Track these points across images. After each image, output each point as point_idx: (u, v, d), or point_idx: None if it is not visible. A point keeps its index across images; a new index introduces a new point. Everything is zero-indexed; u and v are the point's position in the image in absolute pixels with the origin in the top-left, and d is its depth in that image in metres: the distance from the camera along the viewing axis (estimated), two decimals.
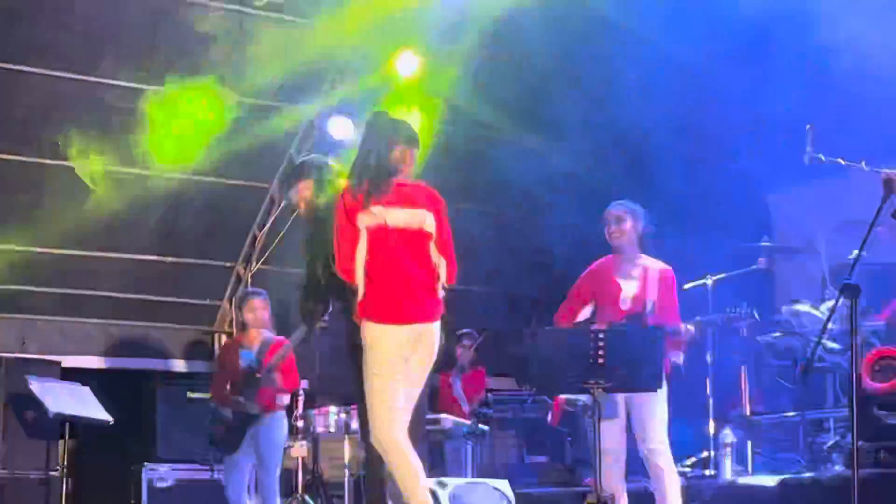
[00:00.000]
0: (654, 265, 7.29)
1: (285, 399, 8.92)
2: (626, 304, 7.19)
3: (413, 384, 6.11)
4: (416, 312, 6.04)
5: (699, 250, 8.92)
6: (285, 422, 8.92)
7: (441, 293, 6.14)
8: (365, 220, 6.01)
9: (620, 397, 6.97)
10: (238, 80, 10.41)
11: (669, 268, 7.31)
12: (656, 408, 6.95)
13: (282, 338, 8.97)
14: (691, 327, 7.24)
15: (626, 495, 7.11)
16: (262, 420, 8.78)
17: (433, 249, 6.10)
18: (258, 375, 8.74)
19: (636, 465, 7.19)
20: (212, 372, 11.54)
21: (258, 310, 9.05)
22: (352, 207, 6.04)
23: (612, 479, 7.04)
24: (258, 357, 8.87)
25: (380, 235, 6.01)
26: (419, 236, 6.08)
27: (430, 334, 6.07)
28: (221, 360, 9.26)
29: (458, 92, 10.85)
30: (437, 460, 10.02)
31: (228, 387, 8.97)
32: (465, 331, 11.46)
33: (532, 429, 10.80)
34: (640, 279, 7.23)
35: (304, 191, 6.92)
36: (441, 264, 6.11)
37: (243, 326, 9.15)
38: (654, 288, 7.18)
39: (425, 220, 6.08)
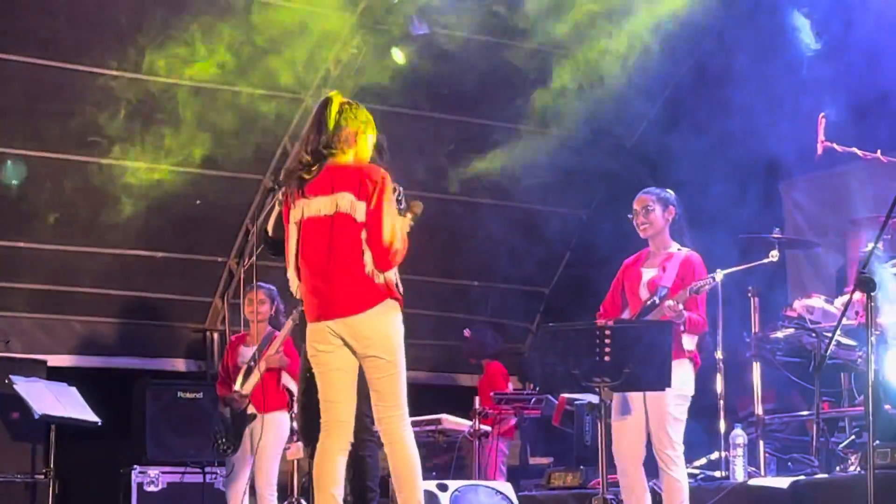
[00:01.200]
0: (682, 252, 7.08)
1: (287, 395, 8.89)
2: (643, 293, 7.04)
3: (373, 385, 5.98)
4: (327, 309, 5.92)
5: (707, 242, 8.89)
6: (286, 421, 8.91)
7: (379, 280, 5.89)
8: (291, 217, 6.03)
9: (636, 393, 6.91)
10: (230, 67, 10.41)
11: (695, 253, 7.10)
12: (668, 407, 6.85)
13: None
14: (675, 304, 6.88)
15: (649, 497, 7.02)
16: (259, 419, 8.77)
17: (364, 235, 5.91)
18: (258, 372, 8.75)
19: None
20: (203, 371, 11.58)
21: (255, 302, 9.01)
22: (286, 205, 6.08)
23: (631, 481, 6.97)
24: (256, 353, 8.86)
25: (301, 230, 5.97)
26: (338, 223, 5.92)
27: (355, 329, 5.89)
28: (224, 357, 9.29)
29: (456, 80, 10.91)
30: (438, 462, 10.03)
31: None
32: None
33: (536, 429, 10.81)
34: (659, 266, 7.06)
35: None
36: (366, 251, 5.88)
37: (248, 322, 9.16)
38: (672, 274, 6.97)
39: (340, 203, 5.91)
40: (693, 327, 6.90)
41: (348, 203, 5.90)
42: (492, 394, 10.46)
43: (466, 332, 11.42)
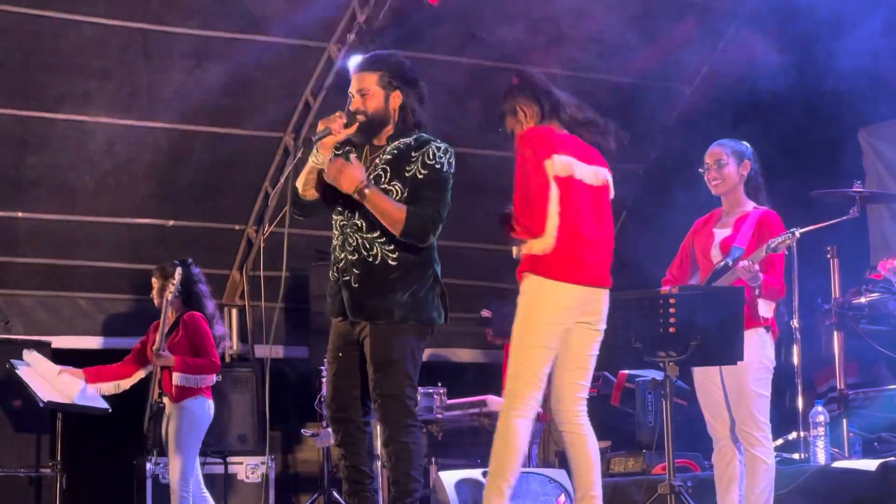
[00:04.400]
0: (758, 210, 6.98)
1: (196, 381, 8.90)
2: (716, 255, 6.94)
3: (580, 361, 6.23)
4: (598, 277, 6.25)
5: (781, 199, 8.83)
6: (198, 408, 8.92)
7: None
8: (553, 167, 6.12)
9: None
10: (240, 16, 10.38)
11: (773, 211, 6.99)
12: (749, 384, 6.75)
13: (192, 313, 9.06)
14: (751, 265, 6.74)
15: (740, 466, 6.85)
16: (170, 409, 8.84)
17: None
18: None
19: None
20: (221, 351, 11.60)
21: (155, 289, 9.15)
22: (542, 148, 6.12)
23: (722, 445, 6.90)
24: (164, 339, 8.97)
25: (567, 189, 6.14)
26: (604, 195, 6.34)
27: (602, 302, 6.28)
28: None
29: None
30: (483, 447, 10.02)
31: None
32: None
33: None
34: (733, 226, 6.96)
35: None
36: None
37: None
38: (748, 234, 6.86)
39: (607, 177, 6.33)
40: (770, 292, 6.80)
41: (609, 178, 6.36)
42: None
43: (485, 312, 11.30)
